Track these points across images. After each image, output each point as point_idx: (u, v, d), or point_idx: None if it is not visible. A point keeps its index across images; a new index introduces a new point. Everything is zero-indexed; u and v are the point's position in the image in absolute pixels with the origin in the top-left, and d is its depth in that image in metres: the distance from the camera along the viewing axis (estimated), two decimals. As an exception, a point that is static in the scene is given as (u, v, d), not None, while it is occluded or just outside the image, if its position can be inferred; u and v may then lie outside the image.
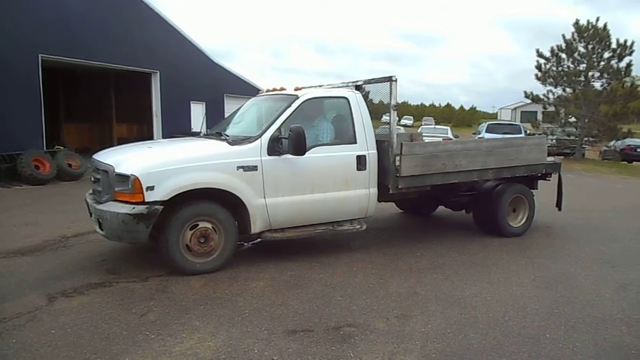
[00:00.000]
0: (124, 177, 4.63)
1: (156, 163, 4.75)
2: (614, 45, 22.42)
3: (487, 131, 19.90)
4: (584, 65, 23.09)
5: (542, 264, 5.47)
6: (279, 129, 5.17)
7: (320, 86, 6.79)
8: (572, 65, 23.42)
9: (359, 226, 5.73)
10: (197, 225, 4.82)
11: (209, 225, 4.87)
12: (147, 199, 4.56)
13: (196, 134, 7.14)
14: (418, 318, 3.80)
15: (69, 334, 3.43)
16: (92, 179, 5.32)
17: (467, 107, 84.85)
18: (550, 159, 7.41)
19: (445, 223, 7.71)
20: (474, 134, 23.93)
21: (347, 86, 6.47)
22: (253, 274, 4.78)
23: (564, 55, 23.48)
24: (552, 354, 3.25)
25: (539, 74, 24.02)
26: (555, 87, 24.01)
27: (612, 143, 25.57)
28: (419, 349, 3.27)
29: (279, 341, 3.36)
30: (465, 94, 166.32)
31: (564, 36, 23.32)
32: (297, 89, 5.92)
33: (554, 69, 23.81)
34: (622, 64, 22.40)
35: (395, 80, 5.81)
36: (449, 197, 6.97)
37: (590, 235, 7.01)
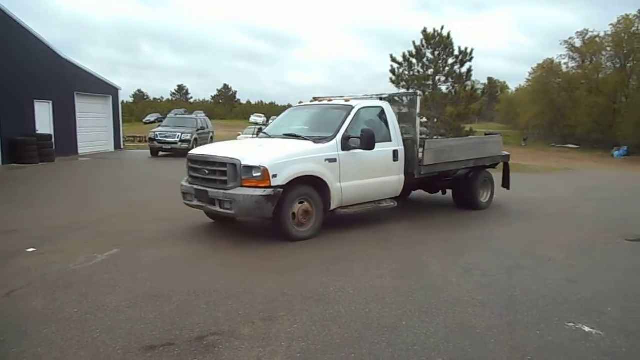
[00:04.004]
0: (252, 168, 6.01)
1: (276, 157, 6.23)
2: (456, 52, 24.86)
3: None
4: (432, 70, 25.25)
5: (399, 254, 5.83)
6: (346, 130, 6.85)
7: (341, 97, 8.31)
8: (421, 70, 25.49)
9: (392, 203, 7.53)
10: (301, 203, 6.35)
11: (307, 203, 6.39)
12: (272, 184, 5.98)
13: None
14: (284, 319, 3.79)
15: None
16: (206, 171, 6.54)
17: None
18: (505, 152, 9.73)
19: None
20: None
21: (372, 97, 8.33)
22: (106, 289, 4.39)
23: (414, 61, 25.46)
24: (408, 340, 3.44)
25: (393, 78, 25.75)
26: (408, 89, 25.93)
27: (457, 141, 28.31)
28: (284, 350, 3.25)
29: None
30: (327, 95, 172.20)
31: (414, 43, 25.27)
32: (347, 100, 7.65)
33: (406, 73, 25.71)
34: (464, 69, 24.93)
35: (420, 95, 8.15)
36: (436, 181, 8.92)
37: (439, 224, 7.66)
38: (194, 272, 4.92)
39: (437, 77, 25.22)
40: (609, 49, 50.02)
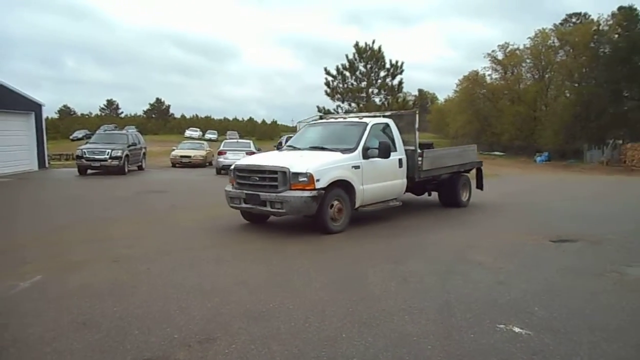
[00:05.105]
0: (299, 174, 7.33)
1: (318, 164, 7.56)
2: (388, 66, 25.65)
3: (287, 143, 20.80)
4: (365, 82, 25.90)
5: (338, 265, 5.86)
6: (365, 142, 8.28)
7: (347, 113, 10.01)
8: (355, 83, 26.07)
9: (398, 203, 9.12)
10: (335, 202, 7.65)
11: (339, 202, 7.71)
12: (316, 187, 7.32)
13: None
14: (222, 340, 3.68)
15: None
16: (257, 178, 7.78)
17: (268, 121, 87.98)
18: (479, 160, 11.88)
19: (247, 239, 7.75)
20: (275, 146, 24.96)
21: (376, 116, 10.07)
22: (29, 319, 4.09)
23: (348, 74, 26.02)
24: (348, 352, 3.44)
25: (328, 90, 26.19)
26: (343, 102, 26.45)
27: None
28: (222, 373, 3.16)
29: (61, 394, 2.90)
30: (263, 108, 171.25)
31: (347, 56, 25.86)
32: (361, 118, 9.48)
33: (341, 86, 26.21)
34: (395, 82, 25.78)
35: (418, 113, 10.04)
36: (426, 185, 10.54)
37: (375, 234, 7.78)
38: (125, 296, 4.69)
39: (370, 90, 25.92)
40: (528, 60, 53.36)
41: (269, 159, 8.43)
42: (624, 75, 41.00)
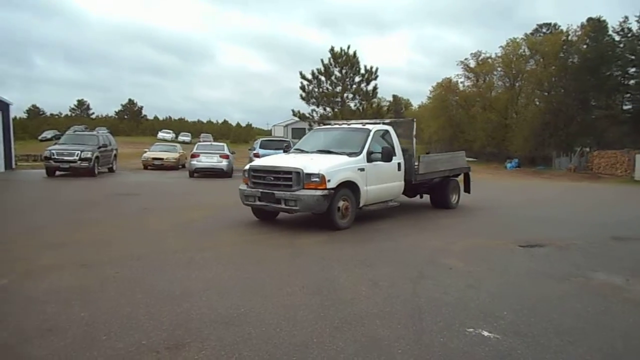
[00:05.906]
0: (312, 175, 7.97)
1: (329, 166, 8.22)
2: (362, 71, 25.83)
3: (260, 147, 20.73)
4: (340, 87, 26.02)
5: (310, 270, 5.85)
6: (369, 147, 9.04)
7: (349, 120, 11.07)
8: (330, 87, 26.17)
9: (396, 203, 9.99)
10: (343, 201, 8.33)
11: (346, 201, 8.40)
12: (327, 187, 7.97)
13: None
14: (191, 345, 3.63)
15: None
16: (272, 178, 8.38)
17: (243, 124, 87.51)
18: (467, 165, 12.76)
19: (219, 242, 7.68)
20: (250, 149, 24.86)
21: (377, 123, 10.63)
22: (-9, 325, 3.97)
23: (323, 78, 26.10)
24: (319, 358, 3.44)
25: (303, 95, 26.21)
26: (318, 106, 26.50)
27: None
28: (191, 379, 3.11)
29: (23, 403, 2.81)
30: (238, 111, 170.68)
31: (322, 61, 25.92)
32: (364, 124, 10.16)
33: (316, 90, 26.26)
34: (370, 87, 25.95)
35: (415, 121, 11.28)
36: (419, 188, 11.22)
37: (347, 239, 7.79)
38: (94, 301, 4.59)
39: (345, 95, 26.03)
40: (499, 69, 54.37)
41: (282, 160, 8.96)
42: (592, 85, 42.19)
